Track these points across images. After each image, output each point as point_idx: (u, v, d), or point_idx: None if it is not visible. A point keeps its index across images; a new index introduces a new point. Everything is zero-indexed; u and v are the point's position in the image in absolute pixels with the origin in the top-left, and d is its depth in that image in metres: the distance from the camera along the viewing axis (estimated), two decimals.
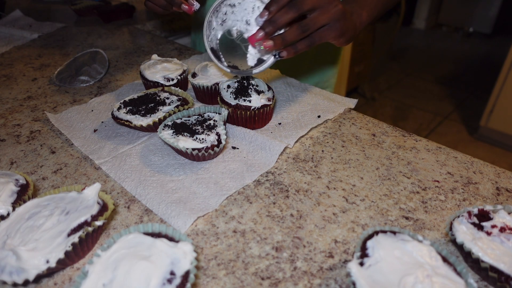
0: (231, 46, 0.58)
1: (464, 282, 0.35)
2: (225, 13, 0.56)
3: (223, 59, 0.59)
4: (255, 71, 0.59)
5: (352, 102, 0.71)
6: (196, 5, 0.63)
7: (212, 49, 0.59)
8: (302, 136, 0.63)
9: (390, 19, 2.74)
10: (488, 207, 0.42)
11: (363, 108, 2.69)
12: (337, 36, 0.58)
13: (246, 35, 0.57)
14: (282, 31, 0.54)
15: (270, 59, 0.57)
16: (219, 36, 0.58)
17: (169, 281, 0.35)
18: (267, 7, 0.52)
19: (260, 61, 0.58)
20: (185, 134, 0.56)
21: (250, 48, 0.57)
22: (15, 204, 0.45)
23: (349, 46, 2.27)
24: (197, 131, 0.56)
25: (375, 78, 3.04)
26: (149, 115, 0.61)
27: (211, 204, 0.49)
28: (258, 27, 0.53)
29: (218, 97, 0.64)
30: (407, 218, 0.48)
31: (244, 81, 0.64)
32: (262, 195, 0.51)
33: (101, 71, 0.86)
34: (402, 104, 2.77)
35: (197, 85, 0.70)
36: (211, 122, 0.59)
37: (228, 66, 0.60)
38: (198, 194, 0.51)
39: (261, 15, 0.52)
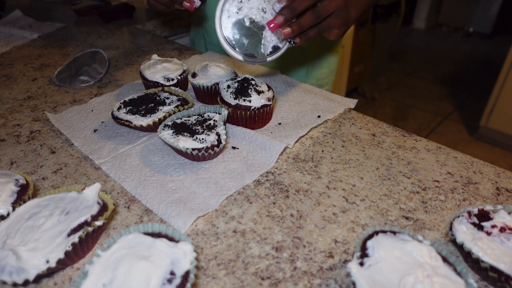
0: (247, 34, 0.58)
1: (464, 282, 0.35)
2: (241, 1, 0.57)
3: (237, 48, 0.58)
4: (269, 59, 0.59)
5: (352, 102, 0.71)
6: (197, 2, 0.64)
7: (225, 38, 0.58)
8: (302, 136, 0.63)
9: (390, 19, 2.74)
10: (488, 207, 0.42)
11: (363, 108, 2.69)
12: (341, 25, 0.62)
13: (262, 22, 0.57)
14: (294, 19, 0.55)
15: (285, 46, 0.58)
16: (232, 23, 0.58)
17: (169, 281, 0.35)
18: None
19: (275, 48, 0.59)
20: (185, 134, 0.56)
21: (266, 35, 0.58)
22: (15, 204, 0.45)
23: (349, 46, 2.27)
24: (197, 131, 0.56)
25: (375, 78, 3.04)
26: (149, 115, 0.61)
27: (211, 204, 0.49)
28: (275, 13, 0.55)
29: (218, 97, 0.64)
30: (407, 218, 0.48)
31: (244, 81, 0.64)
32: (262, 195, 0.51)
33: (101, 71, 0.86)
34: (402, 104, 2.77)
35: (197, 85, 0.70)
36: (211, 122, 0.59)
37: (244, 55, 0.59)
38: (198, 194, 0.51)
39: (279, 1, 0.55)
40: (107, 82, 0.84)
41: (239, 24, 0.58)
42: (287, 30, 0.55)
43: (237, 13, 0.57)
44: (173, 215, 0.47)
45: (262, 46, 0.58)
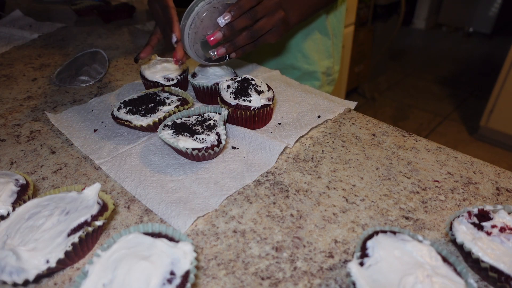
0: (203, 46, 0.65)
1: (464, 282, 0.35)
2: (197, 28, 0.62)
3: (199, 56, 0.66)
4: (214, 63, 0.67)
5: (351, 104, 0.71)
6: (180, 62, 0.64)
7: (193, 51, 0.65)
8: (302, 136, 0.63)
9: (390, 19, 2.74)
10: (488, 207, 0.42)
11: (363, 108, 2.69)
12: (276, 38, 0.67)
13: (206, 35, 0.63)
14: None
15: (225, 60, 0.67)
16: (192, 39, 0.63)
17: (169, 281, 0.35)
18: (229, 10, 0.59)
19: (221, 58, 0.66)
20: (185, 134, 0.56)
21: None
22: (15, 204, 0.45)
23: (349, 46, 2.27)
24: (197, 131, 0.56)
25: (375, 78, 3.04)
26: (149, 115, 0.61)
27: (211, 204, 0.49)
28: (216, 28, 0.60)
29: (218, 97, 0.64)
30: (407, 218, 0.48)
31: (244, 81, 0.64)
32: (262, 195, 0.51)
33: (101, 71, 0.86)
34: (402, 104, 2.77)
35: (197, 85, 0.70)
36: (211, 122, 0.59)
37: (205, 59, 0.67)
38: (198, 194, 0.51)
39: (224, 16, 0.59)
40: (107, 82, 0.84)
41: (196, 39, 0.64)
42: (221, 50, 0.62)
43: (195, 33, 0.63)
44: (173, 215, 0.47)
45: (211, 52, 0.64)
